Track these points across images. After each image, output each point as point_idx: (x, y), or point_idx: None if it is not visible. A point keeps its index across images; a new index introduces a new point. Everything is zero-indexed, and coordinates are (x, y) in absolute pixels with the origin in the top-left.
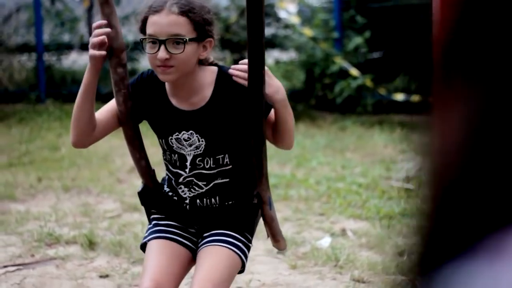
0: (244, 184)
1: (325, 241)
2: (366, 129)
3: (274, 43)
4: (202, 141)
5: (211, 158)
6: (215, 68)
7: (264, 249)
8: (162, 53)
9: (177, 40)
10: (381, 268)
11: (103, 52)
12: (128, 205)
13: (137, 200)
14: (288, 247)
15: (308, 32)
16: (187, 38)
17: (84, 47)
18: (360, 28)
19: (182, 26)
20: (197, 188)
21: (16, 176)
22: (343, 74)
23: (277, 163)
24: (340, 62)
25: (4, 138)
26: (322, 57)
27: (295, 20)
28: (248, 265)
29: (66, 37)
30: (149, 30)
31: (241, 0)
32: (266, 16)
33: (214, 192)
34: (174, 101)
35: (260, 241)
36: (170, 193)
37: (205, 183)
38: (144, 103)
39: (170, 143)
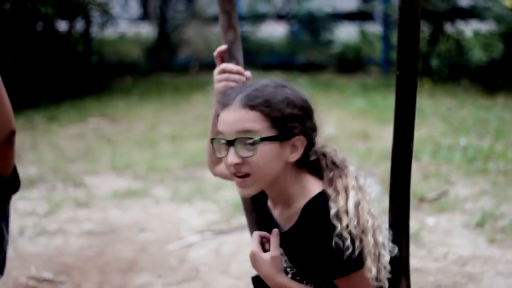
0: None
1: None
2: None
3: (473, 13)
4: (291, 265)
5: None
6: (318, 185)
7: (461, 222)
8: (231, 157)
9: (247, 141)
10: None
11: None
12: None
13: None
14: (486, 220)
15: (508, 2)
16: (258, 137)
17: (279, 17)
18: None
19: (253, 123)
20: None
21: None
22: None
23: (475, 135)
24: None
25: (204, 107)
26: None
27: None
28: (444, 238)
29: (262, 7)
30: (219, 129)
31: None
32: None
33: None
34: (271, 207)
35: (458, 214)
36: None
37: None
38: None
39: None
